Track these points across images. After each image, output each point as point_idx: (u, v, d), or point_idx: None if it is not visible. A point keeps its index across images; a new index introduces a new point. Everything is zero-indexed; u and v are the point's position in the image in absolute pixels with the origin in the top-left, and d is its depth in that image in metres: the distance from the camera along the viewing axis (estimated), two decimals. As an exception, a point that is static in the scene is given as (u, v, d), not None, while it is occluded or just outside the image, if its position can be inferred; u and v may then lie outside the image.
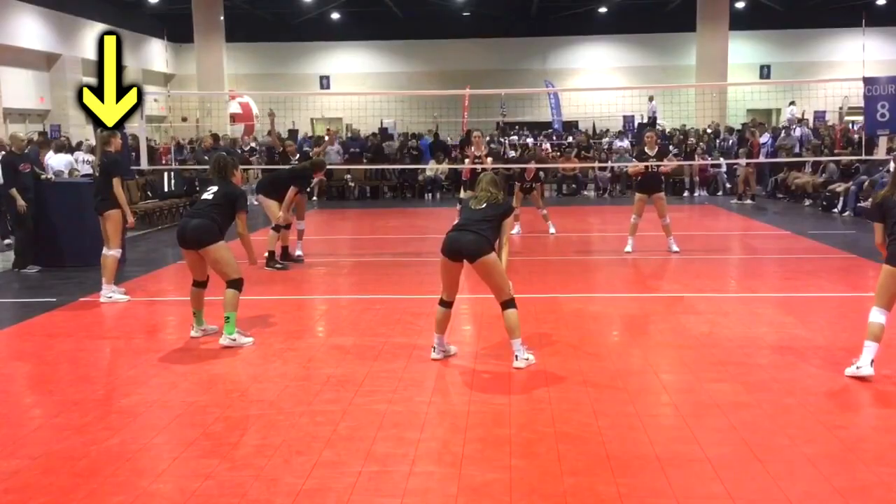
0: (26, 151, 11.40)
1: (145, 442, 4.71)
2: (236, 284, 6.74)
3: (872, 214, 5.96)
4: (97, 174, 8.70)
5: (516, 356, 6.00)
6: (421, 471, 4.25)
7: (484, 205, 6.13)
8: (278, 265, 10.42)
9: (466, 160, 11.19)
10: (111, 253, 8.65)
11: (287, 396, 5.45)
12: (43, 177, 11.27)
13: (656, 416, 5.06)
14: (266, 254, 10.22)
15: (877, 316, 5.60)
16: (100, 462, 4.41)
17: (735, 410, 5.06)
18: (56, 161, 13.26)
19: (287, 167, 11.21)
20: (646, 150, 11.32)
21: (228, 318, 6.67)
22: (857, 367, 5.58)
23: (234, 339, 6.66)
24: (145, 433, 4.84)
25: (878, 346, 5.57)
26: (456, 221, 6.24)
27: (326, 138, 15.97)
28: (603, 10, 32.16)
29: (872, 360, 5.54)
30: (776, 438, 4.62)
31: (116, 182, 8.54)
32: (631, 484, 4.05)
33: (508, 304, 5.98)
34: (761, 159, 19.51)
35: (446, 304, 6.16)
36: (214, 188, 6.95)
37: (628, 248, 11.30)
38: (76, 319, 7.88)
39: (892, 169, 6.16)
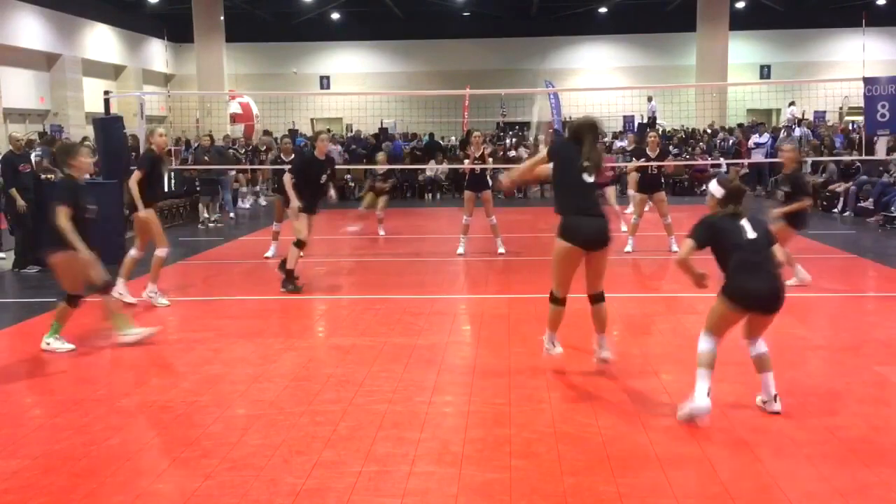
0: (30, 151, 11.44)
1: (145, 442, 4.71)
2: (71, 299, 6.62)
3: (697, 233, 5.12)
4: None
5: (606, 348, 5.82)
6: (421, 471, 4.25)
7: (594, 176, 5.58)
8: (290, 286, 8.86)
9: (466, 160, 11.21)
10: (158, 253, 8.33)
11: (287, 396, 5.45)
12: (43, 177, 11.27)
13: (656, 416, 5.06)
14: (284, 270, 8.95)
15: (708, 343, 4.96)
16: (100, 462, 4.41)
17: (735, 410, 5.06)
18: None
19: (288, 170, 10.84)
20: (647, 150, 11.34)
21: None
22: (692, 400, 4.78)
23: (49, 344, 6.61)
24: (145, 433, 4.84)
25: (712, 372, 4.86)
26: (574, 199, 5.57)
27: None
28: (603, 10, 32.17)
29: (709, 390, 4.77)
30: (776, 438, 4.62)
31: (136, 175, 8.16)
32: (631, 484, 4.05)
33: (602, 296, 5.78)
34: (761, 159, 19.51)
35: (561, 301, 5.75)
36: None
37: (628, 248, 11.30)
38: (76, 319, 7.86)
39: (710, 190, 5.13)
